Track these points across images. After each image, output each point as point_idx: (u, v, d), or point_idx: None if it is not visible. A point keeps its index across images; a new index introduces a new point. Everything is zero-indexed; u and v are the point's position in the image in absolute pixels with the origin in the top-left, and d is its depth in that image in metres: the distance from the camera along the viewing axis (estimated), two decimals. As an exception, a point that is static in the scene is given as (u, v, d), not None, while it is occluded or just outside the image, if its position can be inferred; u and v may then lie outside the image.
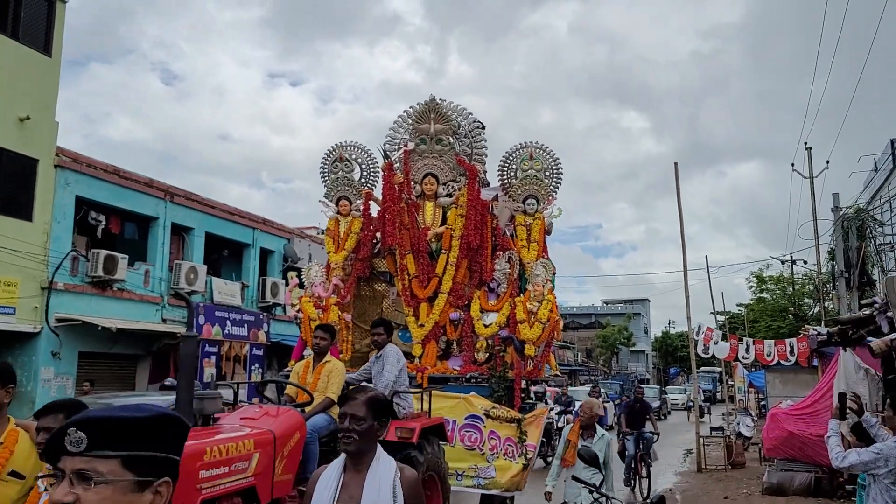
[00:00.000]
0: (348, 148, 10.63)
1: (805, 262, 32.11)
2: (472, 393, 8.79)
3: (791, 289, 36.86)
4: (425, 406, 8.39)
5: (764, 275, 38.49)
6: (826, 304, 27.99)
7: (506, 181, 10.39)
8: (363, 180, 10.61)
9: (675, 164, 18.27)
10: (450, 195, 10.18)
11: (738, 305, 44.11)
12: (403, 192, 9.96)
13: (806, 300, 36.93)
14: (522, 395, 9.63)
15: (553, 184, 10.32)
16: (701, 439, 16.93)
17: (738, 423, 22.64)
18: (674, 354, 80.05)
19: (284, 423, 5.72)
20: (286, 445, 5.64)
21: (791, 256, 32.08)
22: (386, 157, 9.97)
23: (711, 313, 33.73)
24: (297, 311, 9.77)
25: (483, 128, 10.56)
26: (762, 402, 32.57)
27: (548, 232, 10.23)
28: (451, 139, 10.18)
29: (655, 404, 35.75)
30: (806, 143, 23.66)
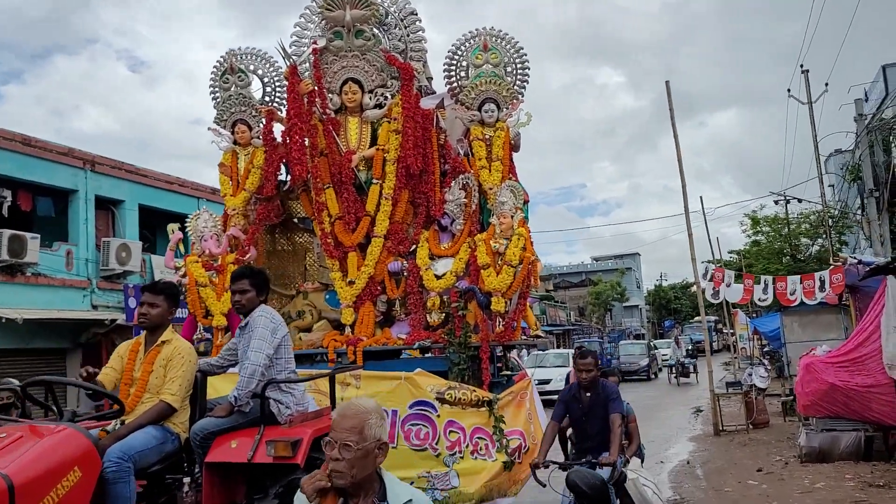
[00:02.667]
0: (243, 56, 7.96)
1: (800, 201, 29.63)
2: (419, 370, 6.27)
3: (787, 229, 34.59)
4: (352, 393, 5.89)
5: (758, 216, 36.19)
6: (823, 240, 25.76)
7: (454, 83, 7.78)
8: (267, 98, 7.96)
9: (667, 82, 15.73)
10: (379, 106, 7.56)
11: (729, 253, 41.97)
12: (315, 104, 7.34)
13: (803, 240, 34.68)
14: (500, 365, 7.15)
15: (517, 81, 7.72)
16: (717, 397, 14.56)
17: (751, 375, 20.23)
18: (668, 307, 78.40)
19: (38, 459, 3.17)
20: (43, 497, 3.10)
21: (785, 196, 29.63)
22: (285, 55, 7.31)
23: (709, 261, 31.24)
24: (182, 276, 7.20)
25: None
26: (766, 350, 30.43)
27: (514, 147, 7.66)
28: (375, 31, 7.54)
29: (644, 363, 32.86)
30: (802, 66, 21.27)
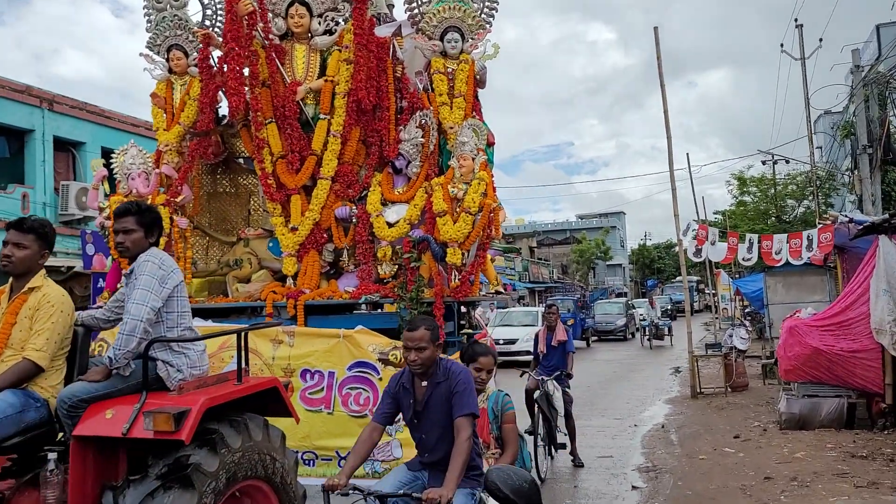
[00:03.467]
0: (177, -29, 7.08)
1: (787, 161, 28.96)
2: (359, 327, 5.60)
3: (773, 189, 34.01)
4: (284, 351, 5.25)
5: (745, 176, 35.57)
6: (810, 201, 25.19)
7: (415, 9, 6.96)
8: (207, 22, 7.11)
9: (655, 28, 14.90)
10: (329, 32, 6.75)
11: (714, 213, 41.41)
12: (256, 28, 6.51)
13: (789, 201, 34.16)
14: (463, 323, 6.51)
15: (485, 9, 6.92)
16: (695, 359, 14.07)
17: (731, 336, 19.78)
18: (651, 266, 78.28)
19: None
20: None
21: (773, 156, 28.95)
22: (224, -28, 6.47)
23: (694, 220, 30.53)
24: (106, 218, 6.44)
25: None
26: (747, 311, 30.01)
27: (480, 82, 6.89)
28: (326, -56, 6.68)
29: (621, 322, 31.92)
30: (796, 20, 20.39)
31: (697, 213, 29.05)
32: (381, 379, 5.33)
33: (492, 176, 6.30)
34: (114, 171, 6.71)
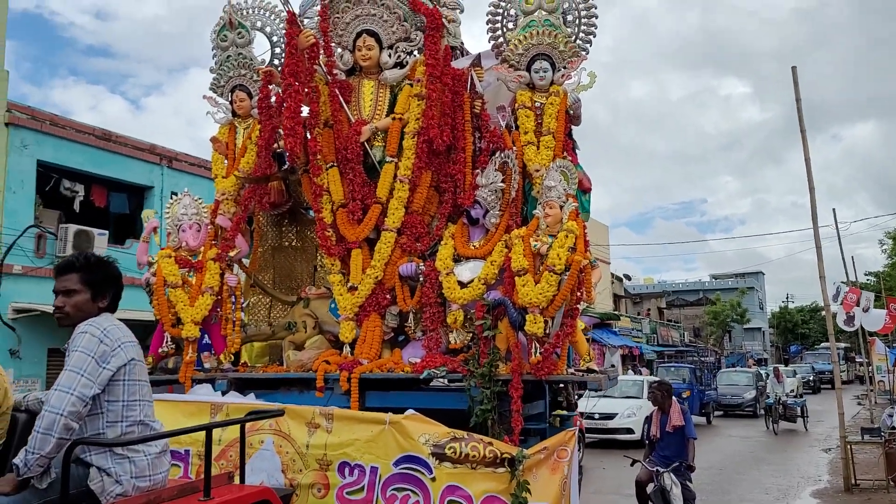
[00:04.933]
0: (244, 9, 6.54)
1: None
2: (411, 412, 4.56)
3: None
4: (321, 438, 4.33)
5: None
6: None
7: (497, 36, 6.06)
8: (276, 61, 6.51)
9: (793, 68, 13.38)
10: (400, 65, 5.95)
11: (866, 275, 37.59)
12: (318, 62, 5.81)
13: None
14: (560, 400, 5.40)
15: (581, 33, 5.93)
16: (849, 446, 12.01)
17: (892, 416, 17.17)
18: (794, 331, 72.72)
19: None
20: None
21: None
22: (284, 1, 5.81)
23: (842, 282, 27.38)
24: (152, 275, 5.83)
25: None
26: (909, 385, 26.43)
27: (573, 118, 5.86)
28: (398, -31, 5.92)
29: (750, 395, 26.11)
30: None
31: (847, 274, 26.23)
32: (433, 479, 4.26)
33: (584, 227, 5.20)
34: (166, 222, 6.12)
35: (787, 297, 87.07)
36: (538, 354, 4.85)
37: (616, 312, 34.70)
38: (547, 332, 4.91)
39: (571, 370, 5.22)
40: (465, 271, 5.41)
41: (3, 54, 14.60)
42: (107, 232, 15.82)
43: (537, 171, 5.49)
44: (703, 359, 38.67)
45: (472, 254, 5.46)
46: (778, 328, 75.39)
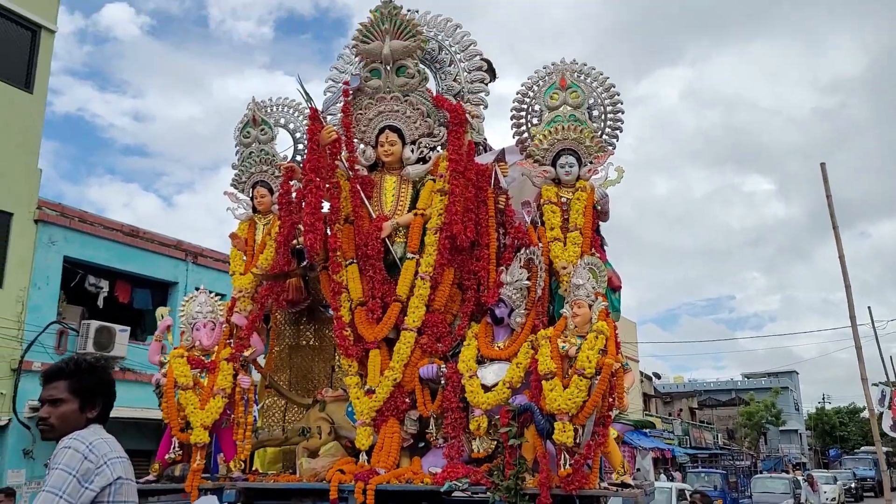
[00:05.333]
0: (268, 106, 6.55)
1: None
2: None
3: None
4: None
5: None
6: None
7: (522, 131, 5.96)
8: (299, 157, 6.46)
9: (822, 164, 13.27)
10: (423, 160, 5.85)
11: (910, 377, 36.28)
12: (340, 157, 5.72)
13: None
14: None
15: (607, 127, 5.81)
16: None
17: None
18: (832, 434, 69.98)
19: None
20: None
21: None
22: (307, 98, 5.79)
23: (883, 383, 26.18)
24: (163, 376, 5.60)
25: (492, 73, 6.29)
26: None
27: (601, 213, 5.67)
28: (421, 67, 5.91)
29: (788, 503, 24.43)
30: None
31: (887, 374, 25.29)
32: None
33: (615, 328, 4.91)
34: (180, 321, 5.94)
35: (823, 398, 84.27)
36: (568, 466, 4.48)
37: (650, 418, 33.36)
38: (577, 441, 4.55)
39: (605, 484, 4.81)
40: (490, 374, 5.11)
41: (38, 155, 14.93)
42: (128, 328, 15.71)
43: (564, 268, 5.26)
44: (738, 462, 36.62)
45: (496, 355, 5.18)
46: (815, 430, 72.67)
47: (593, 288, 4.98)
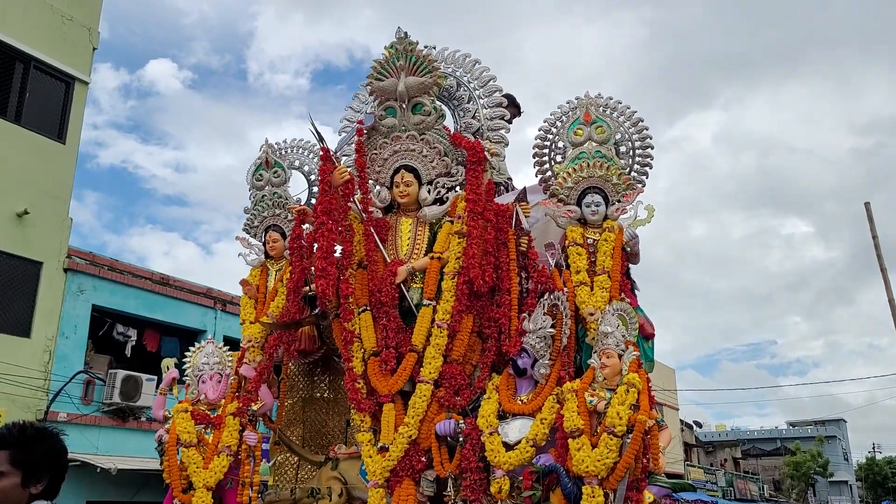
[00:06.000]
0: (282, 149, 6.33)
1: None
2: None
3: None
4: None
5: None
6: None
7: (545, 169, 5.64)
8: (314, 200, 6.21)
9: (867, 204, 12.73)
10: (441, 202, 5.54)
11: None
12: (352, 197, 5.45)
13: None
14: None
15: (634, 164, 5.46)
16: None
17: None
18: (884, 485, 67.00)
19: None
20: None
21: None
22: (319, 138, 5.54)
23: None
24: (166, 431, 5.29)
25: (516, 108, 6.00)
26: None
27: (630, 255, 5.29)
28: (437, 105, 5.65)
29: None
30: None
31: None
32: None
33: (648, 380, 4.49)
34: (185, 373, 5.64)
35: (873, 447, 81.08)
36: (599, 534, 4.03)
37: (689, 481, 31.83)
38: (608, 505, 4.11)
39: (640, 555, 4.34)
40: (512, 430, 4.70)
41: (68, 204, 15.01)
42: (155, 377, 15.51)
43: (591, 314, 4.87)
44: None
45: (519, 409, 4.77)
46: (866, 481, 69.73)
47: (623, 336, 4.58)
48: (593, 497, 4.07)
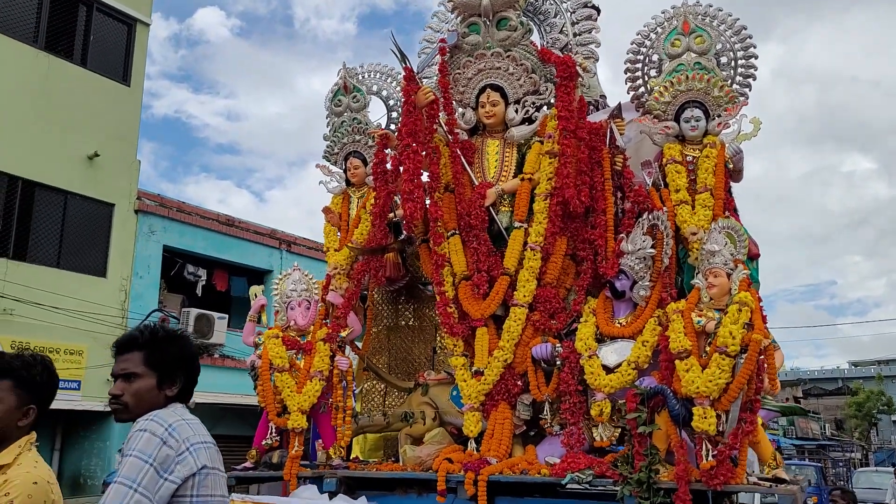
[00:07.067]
0: (359, 74, 6.16)
1: None
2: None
3: None
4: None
5: None
6: None
7: (638, 85, 5.35)
8: (393, 126, 6.05)
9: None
10: (529, 121, 5.33)
11: None
12: (438, 121, 5.27)
13: None
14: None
15: (738, 76, 5.14)
16: None
17: None
18: (950, 424, 65.54)
19: None
20: None
21: None
22: (401, 57, 5.35)
23: None
24: (258, 356, 5.31)
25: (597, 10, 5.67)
26: None
27: (733, 172, 5.01)
28: (524, 19, 5.38)
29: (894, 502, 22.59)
30: None
31: None
32: None
33: (759, 300, 4.28)
34: (274, 300, 5.63)
35: (939, 386, 78.96)
36: (711, 458, 3.90)
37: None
38: (720, 429, 3.96)
39: (754, 478, 4.19)
40: (610, 354, 4.57)
41: (136, 147, 15.17)
42: (227, 316, 15.85)
43: (694, 233, 4.65)
44: (847, 454, 33.55)
45: (617, 332, 4.62)
46: (934, 419, 68.27)
47: (732, 255, 4.36)
48: (705, 418, 3.92)
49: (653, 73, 5.29)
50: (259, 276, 17.74)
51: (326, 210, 5.88)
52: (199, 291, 16.47)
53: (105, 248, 14.38)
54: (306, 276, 5.60)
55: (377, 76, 6.16)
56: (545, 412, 4.76)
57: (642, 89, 5.29)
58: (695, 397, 3.99)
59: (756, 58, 5.09)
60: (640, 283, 4.65)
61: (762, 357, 3.97)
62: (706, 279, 4.34)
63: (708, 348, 4.12)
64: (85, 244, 14.10)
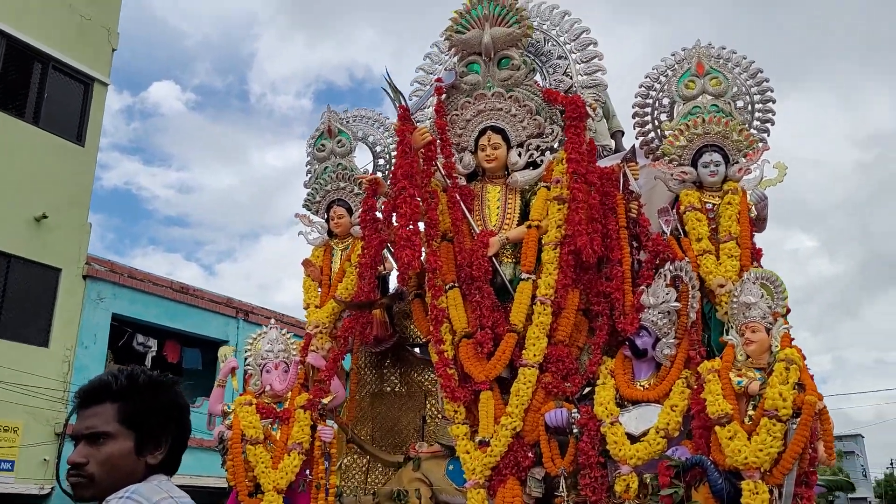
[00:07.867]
0: (343, 119, 5.72)
1: None
2: None
3: None
4: None
5: None
6: None
7: (647, 130, 5.01)
8: (379, 173, 5.59)
9: None
10: (534, 165, 4.92)
11: None
12: (434, 163, 4.83)
13: None
14: None
15: (754, 119, 4.84)
16: None
17: None
18: (904, 502, 65.72)
19: None
20: None
21: None
22: (396, 94, 4.92)
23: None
24: (227, 427, 4.64)
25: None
26: None
27: (757, 221, 4.65)
28: (527, 58, 5.04)
29: None
30: None
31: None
32: None
33: (803, 357, 3.84)
34: (246, 362, 5.01)
35: (891, 463, 79.56)
36: (764, 539, 3.37)
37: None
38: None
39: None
40: (632, 420, 4.05)
41: (88, 209, 14.45)
42: (177, 390, 14.88)
43: (722, 285, 4.23)
44: None
45: (640, 396, 4.12)
46: (885, 497, 68.43)
47: (769, 307, 3.93)
48: (757, 493, 3.41)
49: (663, 116, 4.96)
50: (213, 346, 16.79)
51: (307, 263, 5.33)
52: (148, 363, 15.49)
53: (49, 315, 13.45)
54: (284, 335, 5.01)
55: (363, 121, 5.74)
56: (560, 489, 4.15)
57: (652, 134, 4.95)
58: (742, 469, 3.48)
59: (774, 102, 4.81)
60: (663, 340, 4.18)
61: (817, 422, 3.49)
62: (742, 335, 3.89)
63: (751, 413, 3.64)
64: (27, 311, 13.16)
